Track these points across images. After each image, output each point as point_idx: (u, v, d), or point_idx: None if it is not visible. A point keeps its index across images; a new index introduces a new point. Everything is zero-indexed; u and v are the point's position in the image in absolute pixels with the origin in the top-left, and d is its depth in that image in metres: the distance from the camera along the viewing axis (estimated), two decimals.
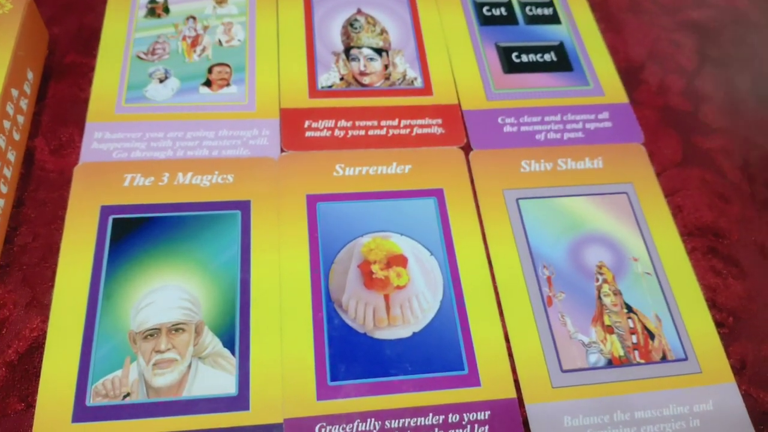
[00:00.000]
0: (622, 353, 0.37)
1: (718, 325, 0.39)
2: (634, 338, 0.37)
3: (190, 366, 0.34)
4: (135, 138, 0.42)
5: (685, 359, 0.37)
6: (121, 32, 0.47)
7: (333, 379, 0.35)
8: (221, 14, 0.49)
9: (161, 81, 0.45)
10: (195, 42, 0.47)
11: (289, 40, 0.47)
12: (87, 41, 0.47)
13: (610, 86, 0.48)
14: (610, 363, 0.36)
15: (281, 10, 0.49)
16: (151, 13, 0.48)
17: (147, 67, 0.45)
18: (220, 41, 0.47)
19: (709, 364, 0.37)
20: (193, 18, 0.48)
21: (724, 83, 0.51)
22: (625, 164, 0.44)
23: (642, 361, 0.37)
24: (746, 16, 0.55)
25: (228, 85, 0.45)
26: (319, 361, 0.35)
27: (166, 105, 0.43)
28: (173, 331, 0.35)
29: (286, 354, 0.35)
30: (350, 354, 0.35)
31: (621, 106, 0.47)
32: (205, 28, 0.48)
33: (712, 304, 0.39)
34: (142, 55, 0.46)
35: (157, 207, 0.39)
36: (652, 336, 0.37)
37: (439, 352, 0.36)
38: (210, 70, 0.46)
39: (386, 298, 0.37)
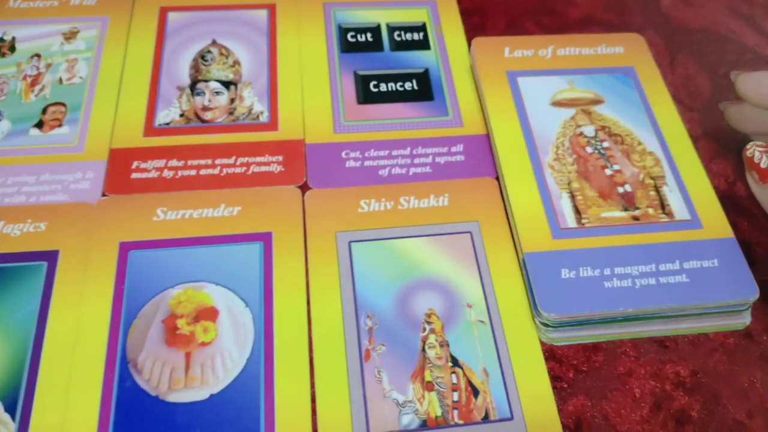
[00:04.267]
0: (439, 413, 0.34)
1: (555, 379, 0.35)
2: (455, 395, 0.34)
3: None
4: None
5: (511, 419, 0.34)
6: None
7: None
8: (68, 50, 0.47)
9: None
10: (35, 81, 0.45)
11: (132, 76, 0.45)
12: None
13: (471, 116, 0.44)
14: (425, 425, 0.33)
15: (131, 44, 0.47)
16: None
17: None
18: (60, 79, 0.45)
19: (539, 424, 0.33)
20: (38, 56, 0.46)
21: None
22: (474, 201, 0.41)
23: (461, 422, 0.33)
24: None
25: (60, 125, 0.43)
26: (102, 427, 0.32)
27: None
28: None
29: (68, 420, 0.33)
30: (137, 420, 0.33)
31: (478, 138, 0.44)
32: (48, 66, 0.46)
33: (550, 356, 0.36)
34: None
35: None
36: (476, 393, 0.34)
37: (236, 416, 0.33)
38: (44, 111, 0.43)
39: (187, 356, 0.35)
